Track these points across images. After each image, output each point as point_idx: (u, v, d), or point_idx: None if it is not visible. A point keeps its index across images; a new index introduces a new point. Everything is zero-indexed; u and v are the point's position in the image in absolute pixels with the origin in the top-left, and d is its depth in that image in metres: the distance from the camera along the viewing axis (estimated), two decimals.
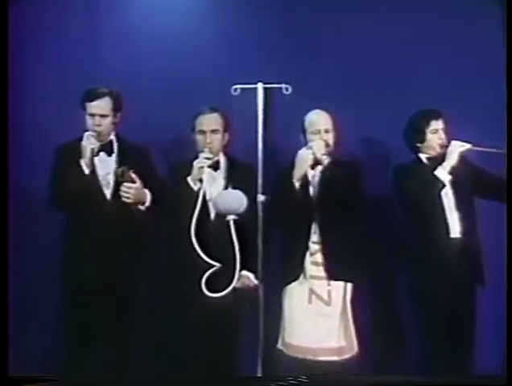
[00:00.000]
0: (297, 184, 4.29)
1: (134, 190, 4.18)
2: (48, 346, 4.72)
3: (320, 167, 4.29)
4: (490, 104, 4.74)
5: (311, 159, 4.27)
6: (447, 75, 4.84)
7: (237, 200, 4.05)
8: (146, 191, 4.26)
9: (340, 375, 4.13)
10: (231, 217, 4.06)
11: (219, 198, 4.14)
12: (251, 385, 4.00)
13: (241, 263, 4.10)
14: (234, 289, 4.10)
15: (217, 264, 4.08)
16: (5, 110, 4.37)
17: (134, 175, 4.18)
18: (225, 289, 4.07)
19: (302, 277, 4.34)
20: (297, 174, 4.28)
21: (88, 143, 4.21)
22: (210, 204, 4.29)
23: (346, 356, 4.30)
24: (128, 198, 4.18)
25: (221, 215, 4.17)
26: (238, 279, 4.12)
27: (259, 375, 4.05)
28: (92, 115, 4.27)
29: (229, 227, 4.09)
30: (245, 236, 4.12)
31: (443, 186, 4.31)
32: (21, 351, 4.50)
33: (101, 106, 4.28)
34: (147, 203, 4.27)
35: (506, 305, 4.06)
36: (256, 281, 4.22)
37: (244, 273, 4.22)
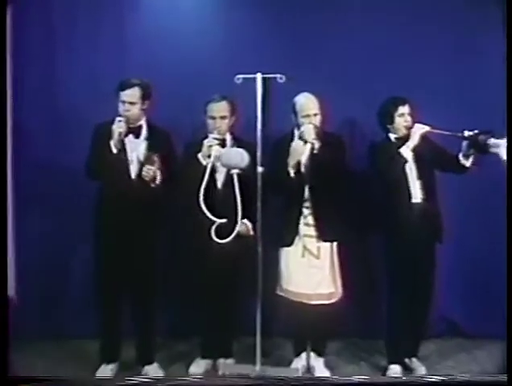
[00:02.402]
0: (292, 168, 4.58)
1: (152, 172, 4.53)
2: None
3: (310, 147, 4.58)
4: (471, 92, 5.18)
5: (303, 148, 4.57)
6: (427, 64, 5.22)
7: (238, 156, 4.27)
8: (159, 172, 4.54)
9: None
10: (234, 171, 4.30)
11: (224, 154, 4.37)
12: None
13: (243, 213, 4.32)
14: (237, 234, 4.35)
15: (222, 220, 4.35)
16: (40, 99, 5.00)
17: (156, 159, 4.53)
18: (229, 236, 4.37)
19: (297, 237, 4.70)
20: (292, 161, 4.58)
21: (117, 127, 4.49)
22: (217, 176, 4.65)
23: (334, 300, 4.70)
24: (145, 176, 4.54)
25: (226, 185, 4.55)
26: (240, 226, 4.38)
27: (258, 313, 4.31)
28: (123, 102, 4.57)
29: (232, 184, 4.33)
30: (248, 201, 4.37)
31: (406, 161, 4.60)
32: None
33: (130, 95, 4.56)
34: (158, 181, 4.55)
35: (506, 305, 4.15)
36: (252, 232, 4.56)
37: (244, 220, 4.52)
